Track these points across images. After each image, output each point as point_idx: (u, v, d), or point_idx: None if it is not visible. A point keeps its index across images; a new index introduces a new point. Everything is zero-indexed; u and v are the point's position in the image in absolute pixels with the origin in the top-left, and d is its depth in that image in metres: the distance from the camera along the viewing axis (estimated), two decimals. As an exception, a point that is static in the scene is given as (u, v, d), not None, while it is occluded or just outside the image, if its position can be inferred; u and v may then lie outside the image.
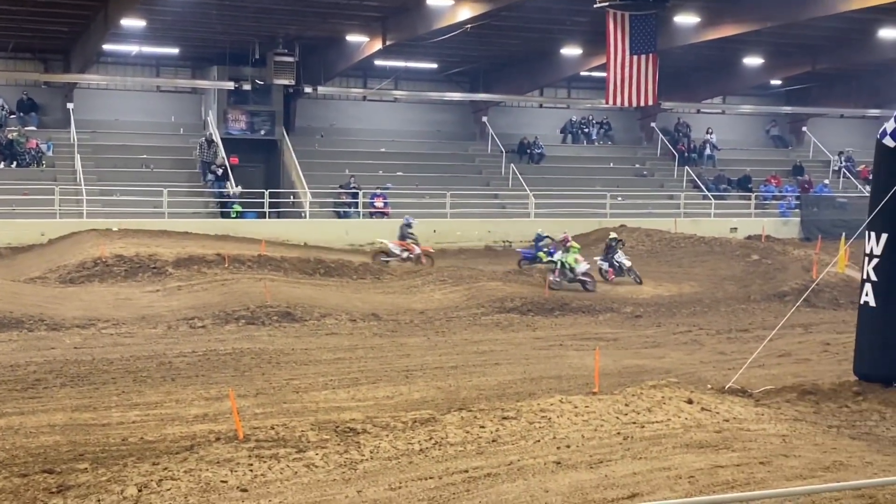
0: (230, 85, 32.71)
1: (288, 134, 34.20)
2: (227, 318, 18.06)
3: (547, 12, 27.86)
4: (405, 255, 25.97)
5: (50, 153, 30.90)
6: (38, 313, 17.62)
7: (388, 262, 25.62)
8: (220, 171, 30.65)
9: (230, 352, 15.33)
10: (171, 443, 10.12)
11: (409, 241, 26.32)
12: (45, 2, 25.47)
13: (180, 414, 11.55)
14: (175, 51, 32.75)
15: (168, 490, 8.36)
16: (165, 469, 8.85)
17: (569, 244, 24.00)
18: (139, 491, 8.31)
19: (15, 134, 30.55)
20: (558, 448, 9.37)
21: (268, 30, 30.48)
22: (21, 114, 31.95)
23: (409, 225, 26.64)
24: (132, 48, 31.23)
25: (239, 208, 30.39)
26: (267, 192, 30.92)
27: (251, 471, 8.95)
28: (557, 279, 23.00)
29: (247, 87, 32.61)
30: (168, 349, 15.37)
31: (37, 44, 31.31)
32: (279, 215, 31.19)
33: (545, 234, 25.89)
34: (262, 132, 34.22)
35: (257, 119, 34.09)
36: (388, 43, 29.63)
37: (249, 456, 9.33)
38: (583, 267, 23.29)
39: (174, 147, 33.03)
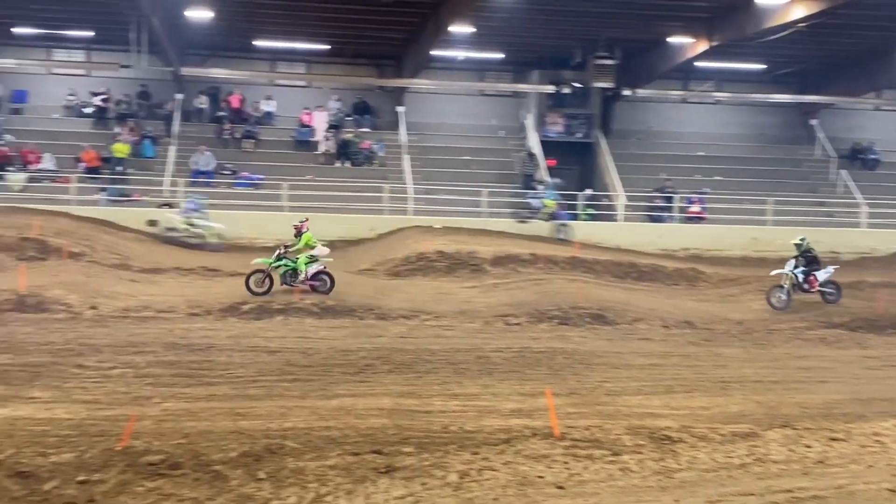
0: (550, 88, 33.22)
1: (604, 136, 34.20)
2: (541, 317, 18.32)
3: (890, 9, 25.88)
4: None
5: (381, 153, 32.86)
6: (367, 303, 18.77)
7: None
8: (540, 188, 31.09)
9: (544, 350, 15.55)
10: (489, 434, 10.39)
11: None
12: (382, 10, 27.08)
13: (497, 407, 11.86)
14: (499, 56, 33.70)
15: (487, 480, 8.62)
16: (485, 459, 9.13)
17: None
18: (460, 478, 8.63)
19: (350, 135, 32.80)
20: (893, 475, 8.68)
21: (589, 33, 30.60)
22: (356, 116, 34.28)
23: None
24: (459, 53, 32.50)
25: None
26: (581, 195, 31.08)
27: (567, 469, 9.03)
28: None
29: (566, 90, 32.96)
30: (485, 343, 15.84)
31: (372, 50, 33.44)
32: (593, 217, 31.23)
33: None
34: (579, 135, 34.46)
35: (574, 122, 34.38)
36: (713, 44, 28.80)
37: (565, 454, 9.42)
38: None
39: (494, 149, 34.03)
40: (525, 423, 11.00)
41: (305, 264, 19.12)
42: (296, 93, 34.65)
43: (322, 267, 19.51)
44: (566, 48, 32.38)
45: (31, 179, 29.30)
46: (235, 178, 30.80)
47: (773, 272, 21.67)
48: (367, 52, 33.67)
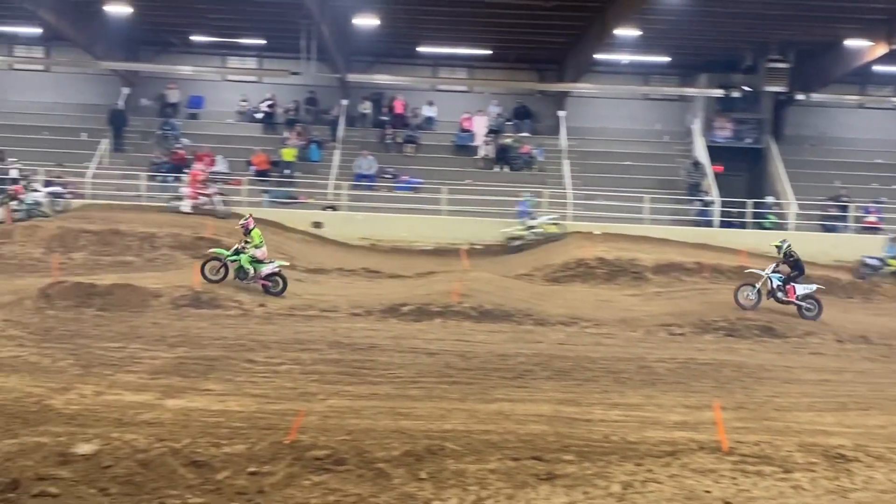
0: (719, 92, 32.32)
1: (775, 142, 33.03)
2: (706, 328, 17.78)
3: None
4: None
5: (540, 158, 32.74)
6: (525, 308, 18.67)
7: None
8: (707, 197, 30.31)
9: (709, 362, 15.09)
10: (652, 446, 10.13)
11: None
12: (546, 15, 26.99)
13: (660, 419, 11.56)
14: (665, 59, 33.06)
15: (651, 492, 8.41)
16: (648, 471, 8.91)
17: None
18: (624, 489, 8.45)
19: (510, 140, 32.82)
20: None
21: (762, 36, 29.65)
22: (516, 121, 34.29)
23: None
24: (623, 57, 32.04)
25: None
26: (750, 202, 30.10)
27: (735, 484, 8.72)
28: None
29: (735, 94, 31.99)
30: (647, 353, 15.50)
31: (534, 55, 33.40)
32: (760, 226, 30.18)
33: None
34: (748, 140, 33.40)
35: (743, 127, 33.33)
36: (893, 47, 27.36)
37: (733, 469, 9.12)
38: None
39: (657, 154, 33.41)
40: (690, 435, 10.66)
41: (249, 263, 19.03)
42: (456, 98, 34.96)
43: (276, 268, 19.39)
44: (736, 51, 31.47)
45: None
46: (396, 182, 31.31)
47: (748, 270, 20.63)
48: (529, 56, 33.65)
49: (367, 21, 28.08)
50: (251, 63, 35.05)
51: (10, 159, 29.50)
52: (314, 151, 32.19)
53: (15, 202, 25.92)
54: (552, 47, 31.87)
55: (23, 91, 33.72)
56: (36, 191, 27.06)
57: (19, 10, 28.50)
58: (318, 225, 28.28)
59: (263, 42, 33.34)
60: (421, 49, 33.14)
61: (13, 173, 28.71)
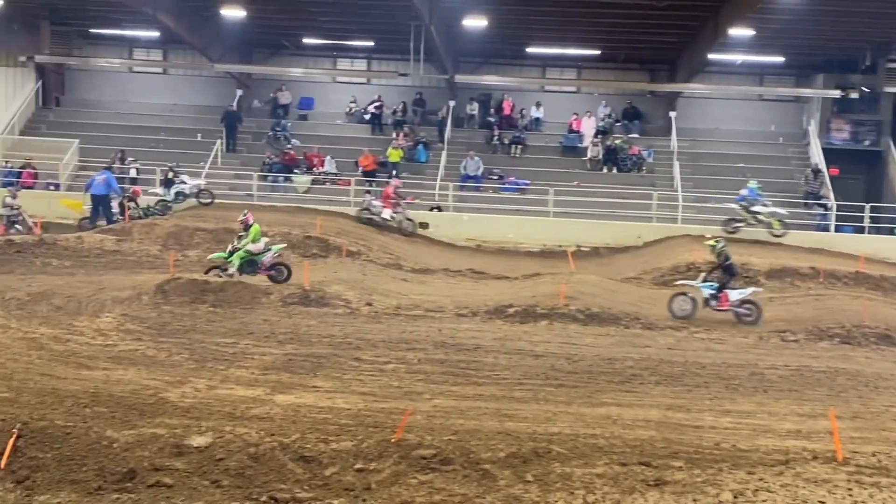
0: (836, 93, 31.28)
1: (895, 144, 31.85)
2: (821, 335, 17.23)
3: None
4: None
5: (650, 159, 32.28)
6: (633, 311, 18.42)
7: None
8: (828, 204, 29.38)
9: (824, 370, 14.62)
10: (764, 454, 9.85)
11: None
12: (658, 15, 26.60)
13: (772, 427, 11.24)
14: (780, 59, 32.21)
15: (763, 501, 8.21)
16: (760, 480, 8.68)
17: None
18: (735, 497, 8.26)
19: (619, 141, 32.45)
20: None
21: (882, 35, 28.58)
22: (625, 122, 33.88)
23: None
24: (737, 57, 31.35)
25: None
26: (868, 206, 29.07)
27: (850, 496, 8.45)
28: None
29: (853, 95, 30.92)
30: (759, 360, 15.11)
31: (645, 55, 32.97)
32: (879, 231, 29.14)
33: None
34: (867, 142, 32.27)
35: (862, 129, 32.20)
36: None
37: (848, 480, 8.83)
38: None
39: (771, 156, 32.57)
40: (804, 444, 10.35)
41: (241, 259, 19.11)
42: (565, 98, 34.75)
43: (276, 256, 19.69)
44: (854, 50, 30.43)
45: (315, 181, 31.13)
46: (502, 183, 31.28)
47: (679, 282, 19.74)
48: (640, 56, 33.24)
49: (475, 22, 28.11)
50: (360, 65, 35.52)
51: (129, 159, 30.54)
52: (421, 152, 32.42)
53: (133, 203, 26.78)
54: (664, 47, 31.39)
55: (142, 93, 34.88)
56: (183, 183, 27.86)
57: (139, 14, 29.52)
58: (424, 225, 28.46)
59: (372, 44, 33.74)
60: (529, 49, 33.05)
61: (132, 173, 29.75)
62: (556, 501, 8.43)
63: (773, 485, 8.55)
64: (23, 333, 14.47)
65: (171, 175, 27.89)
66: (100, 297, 17.25)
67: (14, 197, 25.35)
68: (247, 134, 33.39)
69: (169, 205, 27.53)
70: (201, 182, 28.56)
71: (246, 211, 20.44)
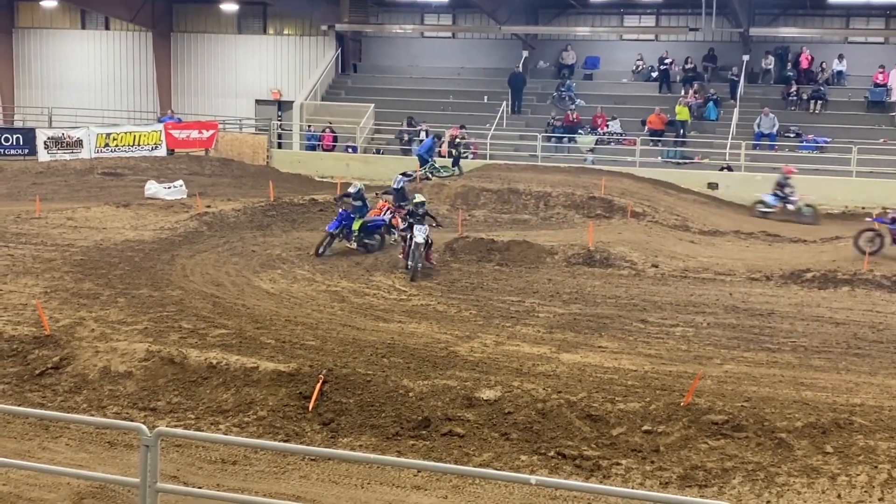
0: None
1: None
2: None
3: None
4: None
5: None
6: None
7: None
8: None
9: None
10: None
11: None
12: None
13: None
14: None
15: None
16: None
17: None
18: None
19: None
20: None
21: None
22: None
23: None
24: None
25: None
26: None
27: None
28: None
29: None
30: None
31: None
32: None
33: None
34: None
35: None
36: None
37: None
38: None
39: None
40: None
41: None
42: (870, 50, 32.19)
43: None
44: None
45: (599, 142, 30.86)
46: (800, 141, 29.57)
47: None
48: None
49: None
50: (648, 21, 34.68)
51: (421, 124, 31.70)
52: (711, 110, 31.25)
53: (426, 164, 27.82)
54: None
55: (432, 57, 35.94)
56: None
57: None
58: (713, 186, 27.46)
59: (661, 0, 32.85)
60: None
61: (422, 135, 30.88)
62: (858, 475, 7.94)
63: None
64: (326, 286, 15.45)
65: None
66: (393, 254, 18.05)
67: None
68: (531, 95, 33.61)
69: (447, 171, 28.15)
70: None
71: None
